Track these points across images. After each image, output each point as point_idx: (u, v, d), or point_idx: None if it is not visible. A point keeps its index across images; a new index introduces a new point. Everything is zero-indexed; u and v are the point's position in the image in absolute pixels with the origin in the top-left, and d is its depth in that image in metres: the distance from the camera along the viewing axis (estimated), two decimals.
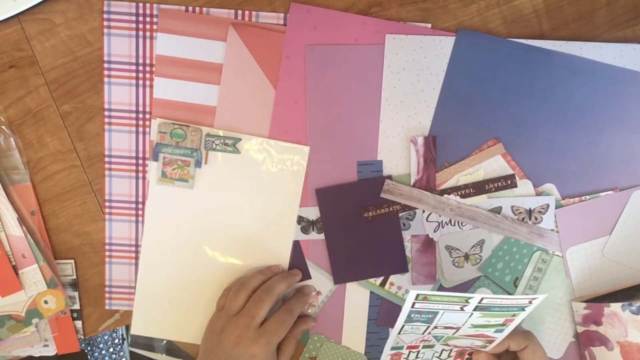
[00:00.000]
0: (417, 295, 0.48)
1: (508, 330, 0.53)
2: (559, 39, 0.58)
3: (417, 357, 0.57)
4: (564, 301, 0.61)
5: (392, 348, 0.56)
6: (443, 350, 0.58)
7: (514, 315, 0.51)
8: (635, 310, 0.56)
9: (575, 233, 0.60)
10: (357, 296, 0.62)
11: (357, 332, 0.62)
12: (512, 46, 0.58)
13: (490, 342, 0.54)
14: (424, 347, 0.57)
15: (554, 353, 0.61)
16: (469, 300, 0.49)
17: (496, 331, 0.53)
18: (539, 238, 0.60)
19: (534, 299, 0.49)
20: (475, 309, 0.50)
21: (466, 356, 0.57)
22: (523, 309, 0.50)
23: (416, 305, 0.49)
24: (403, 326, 0.52)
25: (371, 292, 0.62)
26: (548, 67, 0.58)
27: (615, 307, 0.57)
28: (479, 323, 0.52)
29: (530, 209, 0.60)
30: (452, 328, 0.53)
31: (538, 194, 0.60)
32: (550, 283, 0.60)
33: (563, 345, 0.61)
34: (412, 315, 0.51)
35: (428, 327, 0.53)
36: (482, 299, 0.48)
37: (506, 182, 0.59)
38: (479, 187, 0.59)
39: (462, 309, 0.50)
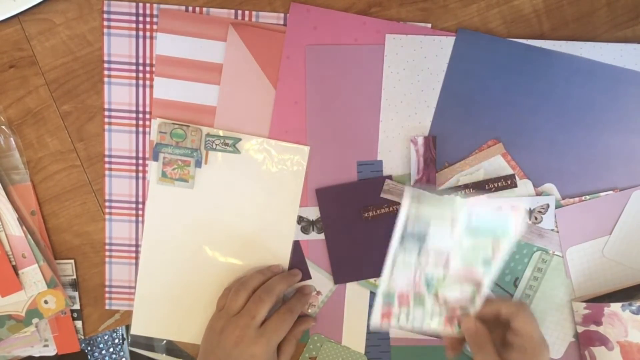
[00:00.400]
0: (412, 200, 0.51)
1: (496, 265, 0.53)
2: (559, 39, 0.58)
3: (407, 320, 0.57)
4: (564, 301, 0.61)
5: (384, 296, 0.55)
6: (433, 312, 0.57)
7: (501, 238, 0.52)
8: (635, 310, 0.56)
9: (575, 233, 0.60)
10: (357, 296, 0.62)
11: (357, 332, 0.62)
12: (512, 46, 0.58)
13: (479, 287, 0.54)
14: (415, 302, 0.56)
15: (554, 353, 0.61)
16: (458, 205, 0.52)
17: (485, 266, 0.53)
18: (539, 238, 0.60)
19: (518, 208, 0.51)
20: (464, 227, 0.52)
21: (455, 322, 0.57)
22: (508, 229, 0.51)
23: (409, 223, 0.51)
24: (395, 261, 0.54)
25: (371, 292, 0.62)
26: (548, 67, 0.58)
27: (615, 307, 0.57)
28: (467, 249, 0.53)
29: (530, 209, 0.60)
30: (442, 257, 0.54)
31: (538, 194, 0.60)
32: (550, 283, 0.60)
33: (563, 345, 0.61)
34: (405, 238, 0.52)
35: (420, 255, 0.54)
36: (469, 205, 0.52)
37: (506, 182, 0.59)
38: (479, 187, 0.59)
39: (452, 226, 0.52)
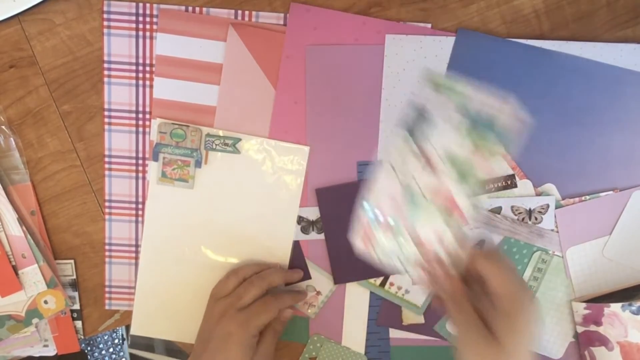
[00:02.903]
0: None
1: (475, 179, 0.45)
2: (559, 39, 0.58)
3: (384, 252, 0.49)
4: (564, 301, 0.61)
5: (369, 208, 0.48)
6: (409, 257, 0.48)
7: (482, 138, 0.45)
8: (635, 310, 0.56)
9: (575, 233, 0.60)
10: (357, 296, 0.62)
11: (357, 332, 0.62)
12: (512, 46, 0.58)
13: (450, 210, 0.45)
14: (395, 232, 0.48)
15: (554, 353, 0.61)
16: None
17: (459, 181, 0.45)
18: (539, 238, 0.60)
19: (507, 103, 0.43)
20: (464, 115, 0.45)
21: (426, 274, 0.48)
22: (492, 126, 0.44)
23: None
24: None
25: (371, 292, 0.62)
26: (548, 67, 0.58)
27: (615, 307, 0.57)
28: (451, 151, 0.45)
29: (530, 209, 0.60)
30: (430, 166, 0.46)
31: (538, 194, 0.60)
32: (550, 283, 0.60)
33: (563, 345, 0.61)
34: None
35: (421, 151, 0.47)
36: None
37: (506, 182, 0.59)
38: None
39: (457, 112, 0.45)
